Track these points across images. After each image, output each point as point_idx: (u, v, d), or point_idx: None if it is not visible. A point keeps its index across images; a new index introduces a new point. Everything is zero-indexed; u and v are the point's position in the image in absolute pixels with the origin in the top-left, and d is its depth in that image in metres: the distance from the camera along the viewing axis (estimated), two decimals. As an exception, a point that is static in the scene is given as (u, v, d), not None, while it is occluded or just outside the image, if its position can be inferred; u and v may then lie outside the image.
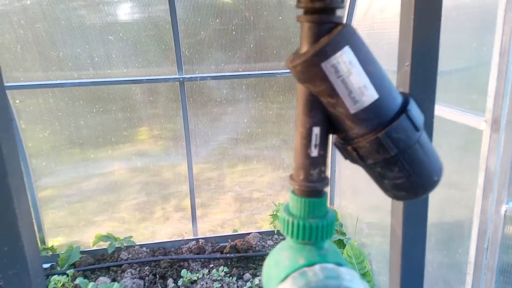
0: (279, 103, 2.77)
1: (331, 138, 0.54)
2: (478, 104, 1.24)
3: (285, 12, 2.51)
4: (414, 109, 0.49)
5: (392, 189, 0.52)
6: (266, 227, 2.99)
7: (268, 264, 0.56)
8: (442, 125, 1.36)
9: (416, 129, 0.48)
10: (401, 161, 0.49)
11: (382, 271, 2.23)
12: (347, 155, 0.53)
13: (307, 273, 0.48)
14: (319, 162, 0.51)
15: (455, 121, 1.34)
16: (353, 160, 0.52)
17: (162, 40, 2.44)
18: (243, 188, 3.04)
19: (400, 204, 0.98)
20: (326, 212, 0.55)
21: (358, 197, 2.62)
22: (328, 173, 3.01)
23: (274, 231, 2.91)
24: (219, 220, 3.06)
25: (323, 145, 0.51)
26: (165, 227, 2.97)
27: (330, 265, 0.49)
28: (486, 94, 1.19)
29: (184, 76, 2.47)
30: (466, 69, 1.37)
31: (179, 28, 2.38)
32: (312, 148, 0.51)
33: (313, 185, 0.52)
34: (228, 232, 2.97)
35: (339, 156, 2.73)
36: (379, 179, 0.52)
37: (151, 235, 2.95)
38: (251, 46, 2.52)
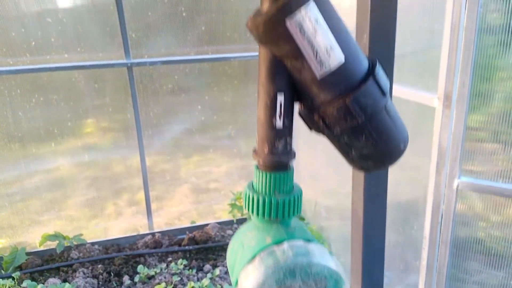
0: (234, 90, 2.71)
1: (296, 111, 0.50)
2: (431, 83, 1.27)
3: (236, -6, 2.45)
4: (381, 74, 0.46)
5: (359, 159, 0.49)
6: (225, 216, 2.95)
7: (233, 248, 0.51)
8: (396, 104, 1.38)
9: (383, 94, 0.46)
10: (368, 129, 0.46)
11: (341, 253, 2.28)
12: (312, 125, 0.49)
13: (275, 252, 0.44)
14: (285, 133, 0.48)
15: (408, 99, 1.36)
16: (319, 130, 0.49)
17: (106, 23, 2.28)
18: (199, 178, 2.97)
19: (360, 184, 0.98)
20: (293, 187, 0.51)
21: (316, 181, 2.65)
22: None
23: (233, 220, 2.88)
24: (176, 213, 2.98)
25: (289, 114, 0.47)
26: (118, 223, 2.84)
27: (299, 242, 0.45)
28: (438, 73, 1.22)
29: (132, 61, 2.34)
30: (419, 49, 1.39)
31: (125, 9, 2.25)
32: (277, 118, 0.47)
33: (279, 158, 0.48)
34: (186, 224, 2.90)
35: (296, 141, 2.74)
36: (345, 149, 0.50)
37: (103, 232, 2.80)
38: (202, 28, 2.43)
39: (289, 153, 0.49)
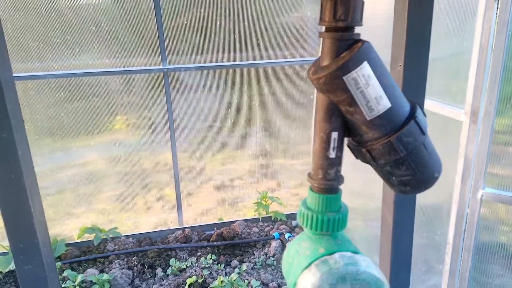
0: (262, 94, 2.81)
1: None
2: (458, 97, 1.33)
3: (268, 2, 2.54)
4: (421, 115, 0.55)
5: (399, 185, 0.58)
6: (250, 214, 3.06)
7: (288, 254, 0.61)
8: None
9: (423, 132, 0.55)
10: (409, 161, 0.55)
11: (364, 254, 2.35)
12: (359, 156, 0.59)
13: (328, 261, 0.54)
14: (336, 162, 0.57)
15: (436, 112, 1.43)
16: (365, 160, 0.58)
17: (145, 31, 2.42)
18: (224, 176, 3.08)
19: (391, 191, 1.06)
20: (341, 206, 0.61)
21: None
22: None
23: (258, 218, 2.98)
24: (202, 209, 3.10)
25: (340, 147, 0.57)
26: (148, 217, 2.99)
27: (348, 253, 0.55)
28: (465, 88, 1.28)
29: (168, 67, 2.46)
30: (447, 64, 1.45)
31: (163, 18, 2.37)
32: (331, 150, 0.56)
33: (331, 183, 0.58)
34: (212, 220, 3.02)
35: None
36: (387, 176, 0.59)
37: (135, 225, 2.96)
38: (235, 36, 2.54)
39: (339, 179, 0.59)
